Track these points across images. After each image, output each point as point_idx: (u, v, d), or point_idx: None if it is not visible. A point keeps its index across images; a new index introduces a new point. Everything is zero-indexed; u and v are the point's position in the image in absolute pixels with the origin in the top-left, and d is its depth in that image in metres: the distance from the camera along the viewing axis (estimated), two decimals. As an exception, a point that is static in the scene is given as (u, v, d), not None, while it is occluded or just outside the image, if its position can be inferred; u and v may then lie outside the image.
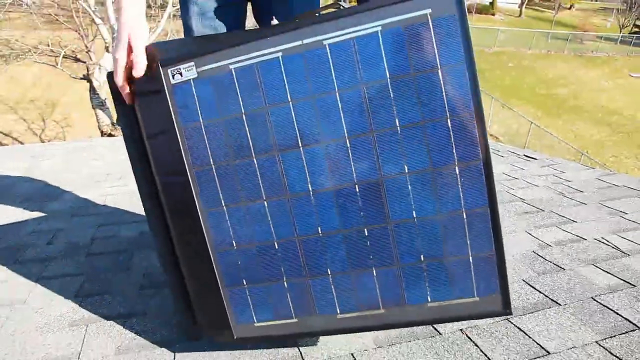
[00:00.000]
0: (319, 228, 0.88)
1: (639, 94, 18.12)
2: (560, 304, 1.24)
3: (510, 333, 1.12)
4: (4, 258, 1.59)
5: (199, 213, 0.95)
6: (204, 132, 0.89)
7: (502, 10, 31.99)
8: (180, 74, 0.88)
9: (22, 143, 12.46)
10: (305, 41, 0.80)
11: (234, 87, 0.85)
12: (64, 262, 1.56)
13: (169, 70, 0.89)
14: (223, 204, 0.92)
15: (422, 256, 0.86)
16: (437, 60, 0.77)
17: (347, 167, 0.84)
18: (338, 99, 0.81)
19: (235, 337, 1.01)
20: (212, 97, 0.87)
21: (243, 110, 0.86)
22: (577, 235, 1.68)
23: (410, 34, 0.77)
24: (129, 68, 0.92)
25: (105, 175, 2.66)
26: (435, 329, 1.15)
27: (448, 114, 0.78)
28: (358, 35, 0.78)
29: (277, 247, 0.92)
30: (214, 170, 0.91)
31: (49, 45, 12.71)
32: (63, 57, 12.37)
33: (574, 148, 11.91)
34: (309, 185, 0.87)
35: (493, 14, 30.70)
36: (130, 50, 0.92)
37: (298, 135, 0.85)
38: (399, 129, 0.81)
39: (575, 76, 20.13)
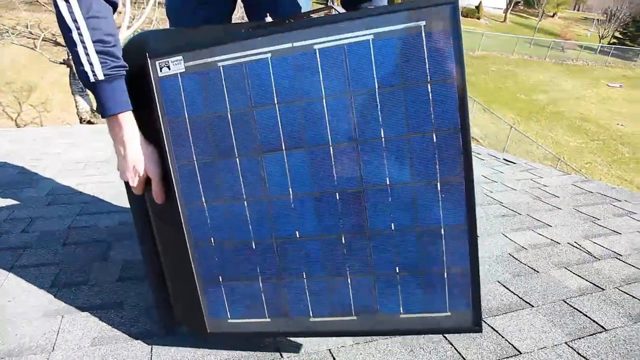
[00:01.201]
0: (297, 232, 0.89)
1: (615, 103, 18.63)
2: (533, 306, 1.28)
3: (484, 333, 1.15)
4: (-24, 245, 1.55)
5: (179, 207, 0.94)
6: (188, 127, 0.89)
7: (488, 15, 32.42)
8: (168, 67, 0.87)
9: (-4, 127, 12.11)
10: (295, 44, 0.80)
11: (221, 84, 0.85)
12: (40, 251, 1.53)
13: (156, 63, 0.88)
14: (203, 200, 0.92)
15: (397, 268, 0.87)
16: (428, 74, 0.77)
17: (329, 174, 0.84)
18: (325, 105, 0.81)
19: (208, 332, 1.02)
20: (199, 92, 0.86)
21: (229, 109, 0.86)
22: (551, 239, 1.73)
23: (402, 45, 0.77)
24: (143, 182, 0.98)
25: (85, 164, 2.61)
26: (412, 327, 1.17)
27: (434, 129, 0.79)
28: (349, 42, 0.78)
29: (254, 248, 0.93)
30: (196, 166, 0.91)
31: (27, 27, 12.38)
32: (42, 40, 12.06)
33: (552, 153, 12.19)
34: (290, 189, 0.87)
35: (478, 18, 31.08)
36: (145, 178, 0.97)
37: (282, 138, 0.85)
38: (383, 140, 0.81)
39: (555, 83, 20.56)
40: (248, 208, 0.90)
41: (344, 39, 0.78)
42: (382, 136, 0.81)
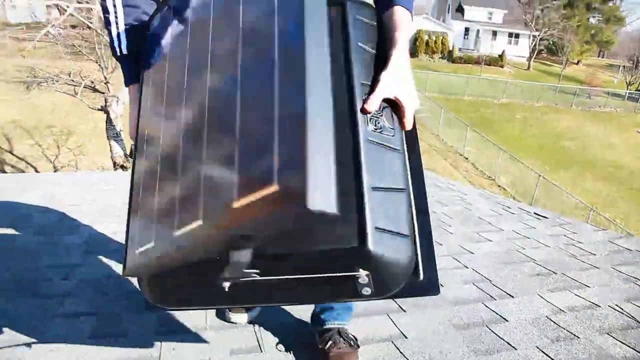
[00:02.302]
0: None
1: (647, 151, 18.22)
2: (575, 375, 1.23)
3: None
4: (21, 292, 1.61)
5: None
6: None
7: (511, 63, 32.74)
8: None
9: (35, 168, 12.64)
10: None
11: None
12: (79, 300, 1.57)
13: None
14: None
15: None
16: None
17: None
18: None
19: (125, 267, 0.86)
20: None
21: None
22: (590, 302, 1.68)
23: None
24: None
25: (121, 209, 2.70)
26: None
27: None
28: None
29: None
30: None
31: (70, 75, 13.13)
32: (83, 87, 12.75)
33: (583, 203, 11.87)
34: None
35: (502, 66, 31.39)
36: None
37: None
38: None
39: (582, 130, 20.32)
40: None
41: None
42: None
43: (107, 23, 1.04)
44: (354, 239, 0.66)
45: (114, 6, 1.02)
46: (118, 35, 1.02)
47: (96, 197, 3.04)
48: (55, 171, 12.61)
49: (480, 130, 16.47)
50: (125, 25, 1.02)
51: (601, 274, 1.96)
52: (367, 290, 0.73)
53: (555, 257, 2.16)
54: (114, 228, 2.36)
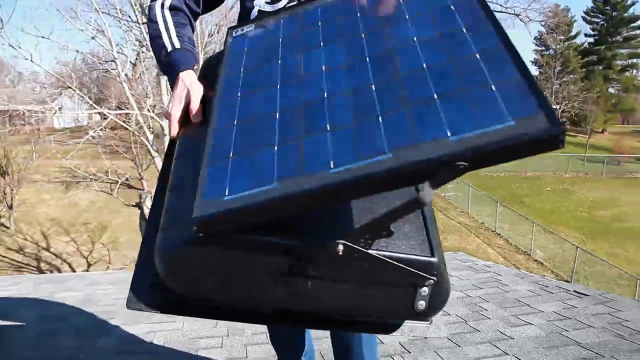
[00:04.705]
0: (325, 93, 0.83)
1: (687, 214, 17.40)
2: None
3: None
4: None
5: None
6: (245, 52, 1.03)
7: (534, 136, 32.83)
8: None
9: (70, 264, 12.95)
10: None
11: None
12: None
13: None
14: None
15: (434, 95, 0.73)
16: None
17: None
18: None
19: (197, 215, 0.73)
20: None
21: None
22: (645, 389, 1.56)
23: None
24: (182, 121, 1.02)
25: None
26: None
27: None
28: None
29: (277, 117, 0.83)
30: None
31: (107, 174, 13.92)
32: (119, 184, 13.44)
33: (627, 273, 11.22)
34: (323, 67, 0.89)
35: (524, 140, 31.50)
36: (186, 106, 1.01)
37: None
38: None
39: (616, 198, 19.74)
40: (280, 89, 0.88)
41: None
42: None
43: (155, 37, 1.10)
44: (426, 251, 0.81)
45: (165, 21, 1.11)
46: (170, 37, 1.08)
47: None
48: (88, 266, 12.89)
49: (510, 205, 16.22)
50: (176, 31, 1.10)
51: (654, 357, 1.83)
52: (422, 304, 0.82)
53: (601, 338, 2.04)
54: (147, 328, 2.38)
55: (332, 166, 0.70)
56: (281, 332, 1.54)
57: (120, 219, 15.21)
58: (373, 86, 0.79)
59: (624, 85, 39.87)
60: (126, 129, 11.95)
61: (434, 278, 0.80)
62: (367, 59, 0.85)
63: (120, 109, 12.30)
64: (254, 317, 0.91)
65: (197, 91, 1.02)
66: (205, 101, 1.01)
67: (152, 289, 0.88)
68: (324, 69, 0.87)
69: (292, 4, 1.17)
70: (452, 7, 0.86)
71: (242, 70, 0.97)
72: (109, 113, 10.95)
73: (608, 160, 25.26)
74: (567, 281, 11.38)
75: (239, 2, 1.29)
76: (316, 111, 0.79)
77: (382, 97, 0.76)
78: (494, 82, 0.70)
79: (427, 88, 0.74)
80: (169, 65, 1.07)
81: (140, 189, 12.64)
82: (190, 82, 1.03)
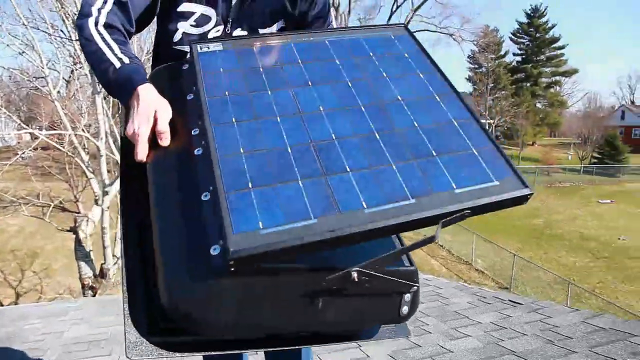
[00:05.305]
0: (333, 135, 0.89)
1: (611, 219, 18.87)
2: None
3: None
4: None
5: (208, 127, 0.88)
6: (222, 74, 0.98)
7: (470, 148, 34.50)
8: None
9: (-4, 297, 11.96)
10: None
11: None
12: None
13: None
14: (233, 120, 0.90)
15: (433, 151, 0.88)
16: None
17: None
18: None
19: (231, 254, 0.70)
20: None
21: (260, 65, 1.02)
22: (572, 393, 1.65)
23: None
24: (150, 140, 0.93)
25: (88, 344, 2.57)
26: None
27: None
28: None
29: (289, 152, 0.85)
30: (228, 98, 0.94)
31: (38, 197, 13.05)
32: (52, 207, 12.62)
33: (560, 277, 11.95)
34: (321, 107, 0.94)
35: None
36: (154, 125, 0.93)
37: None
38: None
39: (547, 206, 21.07)
40: (282, 124, 0.90)
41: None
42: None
43: (98, 56, 1.00)
44: (406, 261, 0.93)
45: (104, 41, 1.01)
46: (114, 54, 0.99)
47: (63, 329, 2.89)
48: (17, 297, 11.97)
49: (450, 215, 16.79)
50: (119, 48, 1.01)
51: (580, 358, 1.95)
52: (405, 309, 0.92)
53: (533, 345, 2.15)
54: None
55: (365, 206, 0.78)
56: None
57: (53, 244, 14.28)
58: (377, 134, 0.89)
59: (550, 100, 43.03)
60: (59, 149, 11.33)
61: (417, 285, 0.91)
62: (362, 107, 0.94)
63: (53, 128, 11.67)
64: (252, 343, 0.92)
65: (165, 109, 0.95)
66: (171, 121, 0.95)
67: (160, 332, 0.83)
68: (321, 109, 0.93)
69: (217, 28, 1.17)
70: (420, 75, 1.02)
71: (226, 93, 0.94)
72: (40, 134, 10.34)
73: (539, 171, 26.99)
74: (506, 288, 11.94)
75: (156, 23, 1.22)
76: (330, 151, 0.85)
77: (387, 146, 0.87)
78: (475, 148, 0.89)
79: (424, 144, 0.88)
80: (122, 82, 0.98)
81: (75, 212, 11.94)
82: (155, 98, 0.95)
